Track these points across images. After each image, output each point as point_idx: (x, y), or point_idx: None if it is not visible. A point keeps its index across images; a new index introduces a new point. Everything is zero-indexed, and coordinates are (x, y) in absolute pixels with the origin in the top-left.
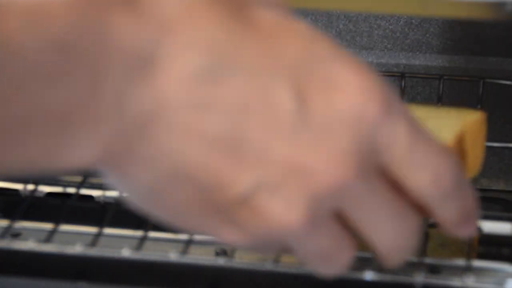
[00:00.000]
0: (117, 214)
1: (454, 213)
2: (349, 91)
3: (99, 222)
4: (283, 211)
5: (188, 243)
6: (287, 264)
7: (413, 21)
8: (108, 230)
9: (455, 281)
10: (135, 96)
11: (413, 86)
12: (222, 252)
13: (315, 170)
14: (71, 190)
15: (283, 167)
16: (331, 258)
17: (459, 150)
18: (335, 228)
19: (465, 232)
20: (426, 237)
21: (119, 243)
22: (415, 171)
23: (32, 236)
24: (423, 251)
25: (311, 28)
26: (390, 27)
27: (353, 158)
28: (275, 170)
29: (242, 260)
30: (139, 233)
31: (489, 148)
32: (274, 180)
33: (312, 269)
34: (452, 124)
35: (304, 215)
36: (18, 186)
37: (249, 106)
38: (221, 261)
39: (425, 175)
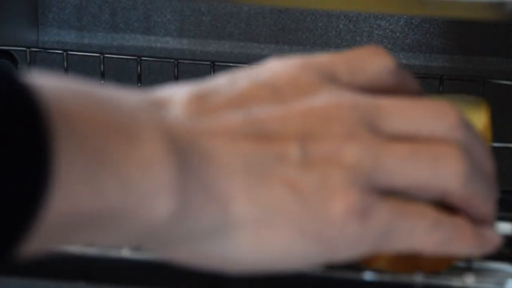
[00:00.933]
0: None
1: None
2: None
3: None
4: (340, 203)
5: None
6: None
7: (413, 21)
8: None
9: (455, 281)
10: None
11: None
12: None
13: (341, 155)
14: None
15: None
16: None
17: None
18: (391, 202)
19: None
20: None
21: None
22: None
23: None
24: None
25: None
26: (390, 27)
27: (357, 134)
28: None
29: None
30: None
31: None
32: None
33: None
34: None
35: (354, 196)
36: None
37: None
38: None
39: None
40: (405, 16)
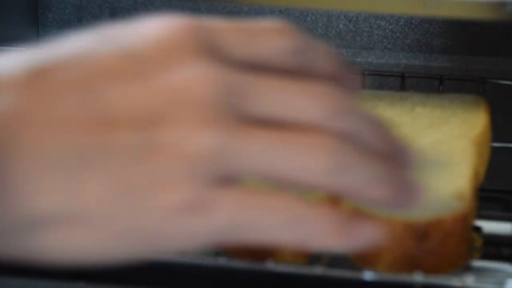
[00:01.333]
0: None
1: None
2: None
3: None
4: (170, 196)
5: None
6: (287, 265)
7: (413, 21)
8: None
9: (455, 281)
10: None
11: (413, 86)
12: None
13: (184, 141)
14: None
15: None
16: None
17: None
18: (233, 192)
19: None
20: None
21: None
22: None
23: None
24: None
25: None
26: (390, 27)
27: (214, 120)
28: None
29: (242, 260)
30: None
31: (489, 148)
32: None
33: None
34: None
35: (188, 189)
36: None
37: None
38: (221, 261)
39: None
40: (405, 16)
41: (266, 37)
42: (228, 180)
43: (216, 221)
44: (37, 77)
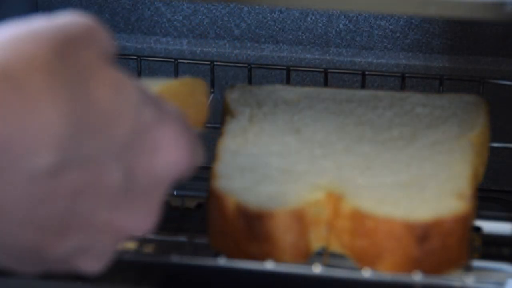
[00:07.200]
0: None
1: None
2: (167, 150)
3: None
4: (92, 266)
5: (188, 244)
6: (288, 265)
7: (413, 21)
8: None
9: (455, 281)
10: None
11: (413, 86)
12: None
13: (125, 227)
14: None
15: (99, 229)
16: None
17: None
18: None
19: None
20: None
21: None
22: None
23: None
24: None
25: (136, 86)
26: (390, 27)
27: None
28: (92, 232)
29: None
30: None
31: (489, 148)
32: (90, 241)
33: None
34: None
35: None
36: None
37: (83, 190)
38: (221, 262)
39: None
40: (405, 16)
41: None
42: None
43: None
44: None
